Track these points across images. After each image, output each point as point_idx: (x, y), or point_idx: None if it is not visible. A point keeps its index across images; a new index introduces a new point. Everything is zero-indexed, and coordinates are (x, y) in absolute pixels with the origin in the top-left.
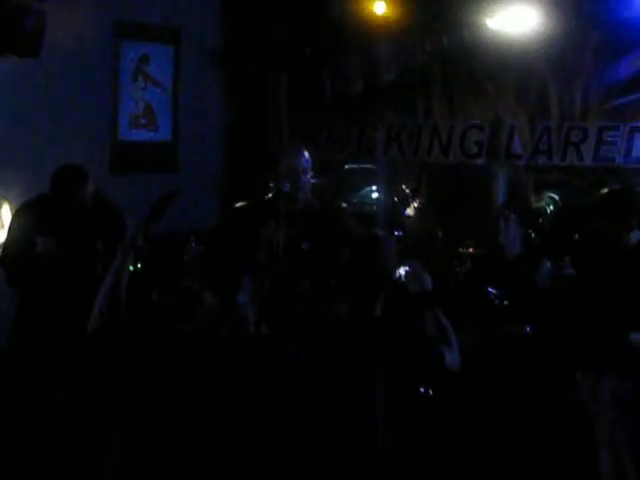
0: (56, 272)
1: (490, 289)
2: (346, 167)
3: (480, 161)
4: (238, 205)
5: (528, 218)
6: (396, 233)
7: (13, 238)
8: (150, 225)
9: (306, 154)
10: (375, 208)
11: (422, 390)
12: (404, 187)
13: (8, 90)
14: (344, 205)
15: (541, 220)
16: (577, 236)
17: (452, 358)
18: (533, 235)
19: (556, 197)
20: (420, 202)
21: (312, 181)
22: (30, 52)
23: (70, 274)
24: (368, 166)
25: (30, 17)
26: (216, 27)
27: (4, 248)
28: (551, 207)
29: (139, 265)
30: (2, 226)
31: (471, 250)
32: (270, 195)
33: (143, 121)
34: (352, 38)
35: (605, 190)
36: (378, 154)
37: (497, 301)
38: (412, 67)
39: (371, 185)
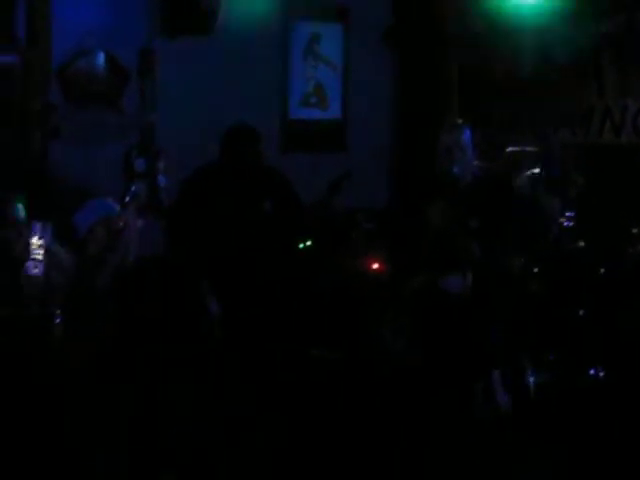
0: (230, 231)
1: None
2: (509, 149)
3: None
4: (406, 185)
5: None
6: (568, 214)
7: (183, 205)
8: (329, 203)
9: (467, 131)
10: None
11: None
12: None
13: (183, 68)
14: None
15: None
16: None
17: None
18: None
19: None
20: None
21: (476, 163)
22: (205, 31)
23: (241, 233)
24: (530, 148)
25: None
26: (385, 5)
27: (172, 215)
28: None
29: (308, 242)
30: None
31: None
32: (437, 174)
33: (313, 100)
34: (523, 21)
35: None
36: (549, 136)
37: None
38: (584, 49)
39: (534, 167)
